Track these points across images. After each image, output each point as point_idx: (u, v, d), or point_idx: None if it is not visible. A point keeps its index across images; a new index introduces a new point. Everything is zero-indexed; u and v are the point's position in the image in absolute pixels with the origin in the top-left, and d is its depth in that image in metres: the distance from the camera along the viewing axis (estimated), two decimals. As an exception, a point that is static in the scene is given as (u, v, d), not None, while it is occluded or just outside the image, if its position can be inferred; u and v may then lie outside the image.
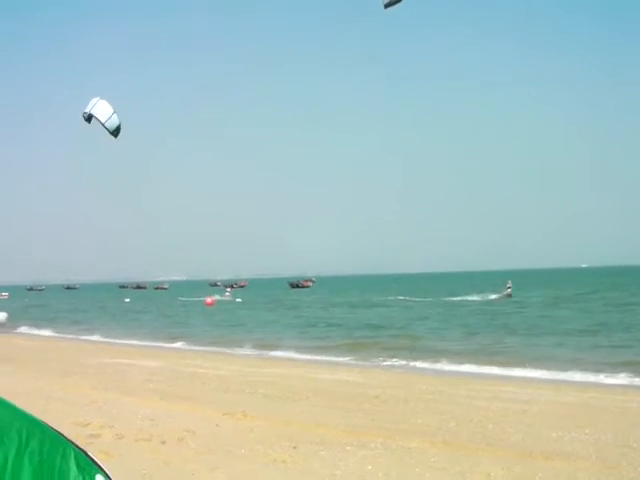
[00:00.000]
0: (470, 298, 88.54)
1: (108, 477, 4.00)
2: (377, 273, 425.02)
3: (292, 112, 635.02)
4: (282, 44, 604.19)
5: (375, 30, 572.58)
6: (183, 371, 26.72)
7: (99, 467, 3.97)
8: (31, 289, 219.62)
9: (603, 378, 25.34)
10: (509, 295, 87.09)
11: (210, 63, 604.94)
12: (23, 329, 57.20)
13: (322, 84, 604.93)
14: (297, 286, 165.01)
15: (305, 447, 12.96)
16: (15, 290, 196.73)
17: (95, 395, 19.69)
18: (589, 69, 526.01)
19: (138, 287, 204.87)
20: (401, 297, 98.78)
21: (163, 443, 13.21)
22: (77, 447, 3.96)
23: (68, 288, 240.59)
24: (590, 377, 25.66)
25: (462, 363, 29.90)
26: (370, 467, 11.75)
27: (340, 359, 33.12)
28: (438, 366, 29.70)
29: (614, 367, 27.22)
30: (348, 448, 12.93)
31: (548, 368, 27.66)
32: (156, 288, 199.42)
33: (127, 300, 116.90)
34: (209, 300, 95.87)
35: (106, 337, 48.48)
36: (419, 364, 30.39)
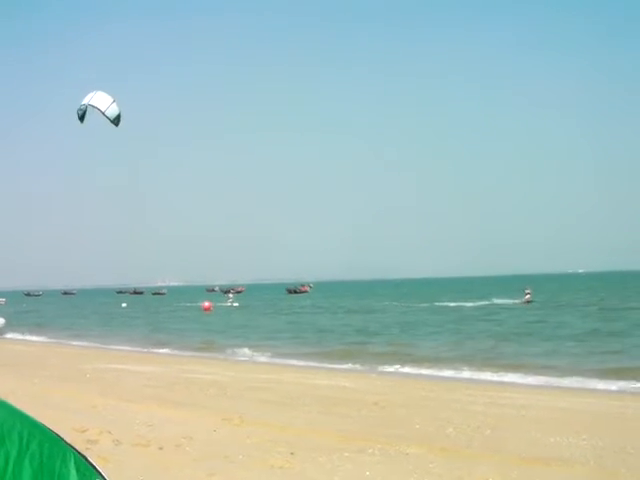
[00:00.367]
0: (484, 303, 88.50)
1: (106, 482, 4.00)
2: (378, 278, 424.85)
3: (291, 114, 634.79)
4: (279, 45, 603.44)
5: (375, 31, 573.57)
6: (180, 377, 26.69)
7: (98, 472, 3.98)
8: (28, 294, 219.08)
9: (599, 384, 25.36)
10: (528, 301, 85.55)
11: (206, 65, 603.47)
12: (14, 335, 56.90)
13: (319, 87, 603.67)
14: (294, 292, 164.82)
15: (302, 453, 12.94)
16: (12, 295, 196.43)
17: (92, 401, 19.65)
18: (589, 70, 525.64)
19: (135, 292, 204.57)
20: (395, 303, 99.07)
21: (161, 449, 13.19)
22: (77, 452, 3.97)
23: (65, 293, 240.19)
24: (587, 383, 25.68)
25: (459, 369, 29.95)
26: (368, 473, 11.74)
27: (337, 365, 33.09)
28: (435, 372, 29.73)
29: (611, 373, 27.24)
30: (346, 454, 12.92)
31: (545, 374, 27.69)
32: (154, 294, 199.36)
33: (124, 305, 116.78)
34: (207, 305, 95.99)
35: (102, 343, 48.34)
36: (416, 370, 30.42)
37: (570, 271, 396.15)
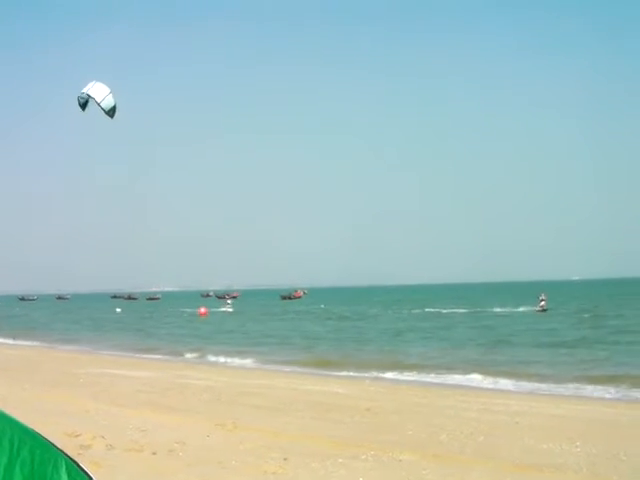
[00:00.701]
0: (499, 310, 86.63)
1: (99, 488, 4.00)
2: (375, 284, 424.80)
3: (290, 116, 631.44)
4: (279, 46, 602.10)
5: (376, 33, 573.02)
6: (174, 382, 26.67)
7: (90, 478, 3.98)
8: (23, 299, 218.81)
9: (593, 391, 25.40)
10: (543, 308, 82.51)
11: (205, 66, 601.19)
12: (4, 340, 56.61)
13: (319, 88, 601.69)
14: (289, 298, 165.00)
15: (296, 459, 12.94)
16: (7, 300, 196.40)
17: (86, 405, 19.64)
18: (590, 71, 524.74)
19: (130, 298, 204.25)
20: (389, 310, 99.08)
21: (154, 454, 13.19)
22: (68, 457, 3.96)
23: (59, 298, 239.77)
24: (581, 390, 25.71)
25: (453, 375, 30.00)
26: (361, 479, 11.75)
27: (329, 371, 33.12)
28: (428, 378, 29.78)
29: (605, 380, 27.27)
30: (339, 460, 12.92)
31: (539, 380, 27.74)
32: (148, 299, 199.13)
33: (118, 310, 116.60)
34: (202, 311, 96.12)
35: (96, 348, 48.31)
36: (409, 376, 30.47)
37: (564, 278, 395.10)
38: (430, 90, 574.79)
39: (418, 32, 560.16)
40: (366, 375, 31.08)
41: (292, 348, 45.66)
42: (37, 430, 4.04)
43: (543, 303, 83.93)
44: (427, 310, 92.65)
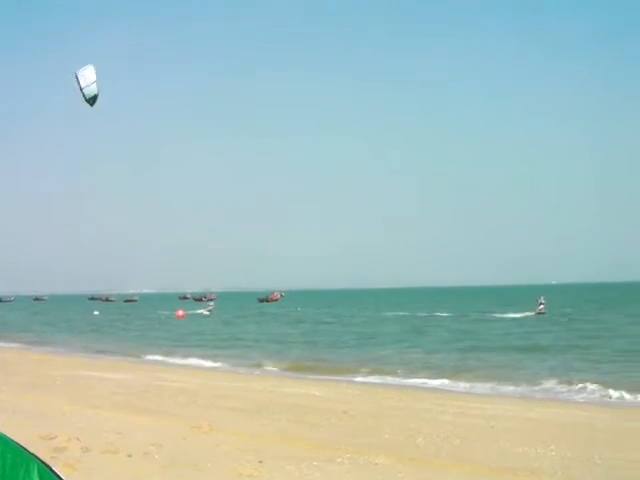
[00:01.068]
0: (498, 315, 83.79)
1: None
2: (355, 288, 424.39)
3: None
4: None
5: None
6: (151, 384, 26.63)
7: (63, 481, 3.98)
8: (0, 300, 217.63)
9: (568, 394, 25.53)
10: (541, 312, 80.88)
11: (198, 71, 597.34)
12: None
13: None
14: (265, 300, 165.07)
15: (271, 461, 12.93)
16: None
17: (62, 407, 19.55)
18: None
19: (107, 300, 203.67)
20: (368, 312, 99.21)
21: (129, 456, 13.14)
22: (41, 461, 3.96)
23: (36, 299, 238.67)
24: (556, 394, 25.84)
25: (429, 378, 30.09)
26: (336, 482, 11.78)
27: (306, 374, 33.15)
28: (405, 381, 29.87)
29: (579, 383, 27.38)
30: (315, 463, 12.93)
31: (515, 384, 27.85)
32: (126, 301, 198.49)
33: (96, 313, 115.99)
34: (180, 313, 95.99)
35: (72, 349, 48.16)
36: (386, 379, 30.54)
37: (543, 283, 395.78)
38: (430, 96, 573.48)
39: (418, 37, 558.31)
40: (343, 378, 31.14)
41: (268, 351, 45.60)
42: (13, 432, 4.04)
43: (542, 307, 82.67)
44: (408, 314, 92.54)
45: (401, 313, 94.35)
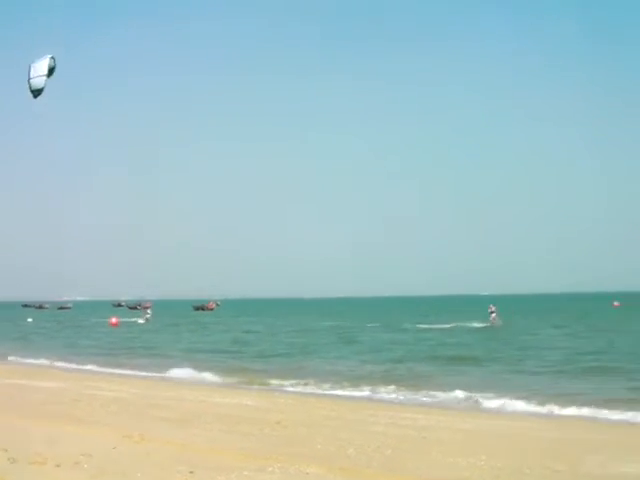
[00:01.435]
0: (447, 326, 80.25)
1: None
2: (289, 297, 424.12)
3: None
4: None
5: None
6: (83, 393, 26.37)
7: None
8: None
9: (501, 405, 25.72)
10: (495, 321, 78.02)
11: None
12: None
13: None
14: (201, 308, 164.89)
15: (202, 472, 12.86)
16: None
17: (-10, 417, 19.30)
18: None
19: (41, 307, 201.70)
20: (299, 321, 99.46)
21: (58, 466, 12.98)
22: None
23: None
24: (488, 404, 26.03)
25: (362, 389, 30.20)
26: (266, 492, 11.76)
27: (239, 384, 33.15)
28: (337, 392, 29.94)
29: (511, 394, 27.63)
30: (245, 473, 12.89)
31: (447, 395, 28.00)
32: (59, 308, 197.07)
33: (29, 320, 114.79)
34: (114, 321, 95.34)
35: (4, 357, 47.45)
36: (318, 389, 30.62)
37: (474, 293, 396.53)
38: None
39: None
40: (275, 388, 31.15)
41: (201, 360, 45.46)
42: None
43: (494, 315, 79.37)
44: (342, 324, 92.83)
45: (335, 323, 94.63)
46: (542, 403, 25.65)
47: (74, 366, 41.89)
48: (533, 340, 58.49)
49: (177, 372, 37.75)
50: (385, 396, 28.62)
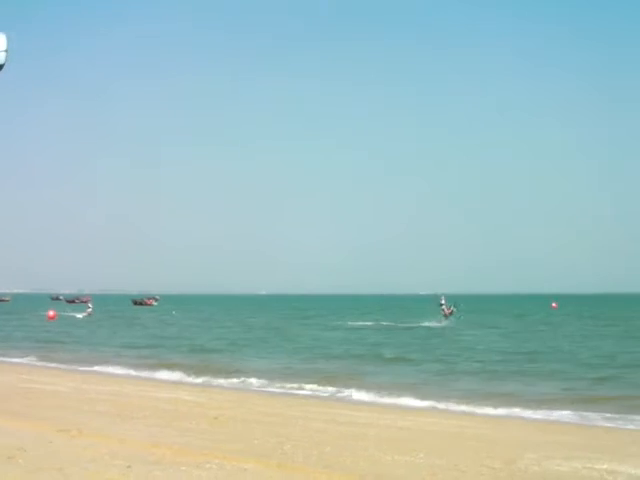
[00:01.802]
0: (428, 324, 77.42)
1: None
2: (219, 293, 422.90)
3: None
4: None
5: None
6: (17, 386, 26.09)
7: None
8: None
9: (440, 404, 25.89)
10: (449, 314, 76.11)
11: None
12: None
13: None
14: (140, 304, 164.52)
15: (139, 467, 12.77)
16: None
17: None
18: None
19: None
20: (243, 318, 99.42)
21: (-9, 461, 12.84)
22: None
23: None
24: (428, 402, 26.17)
25: (301, 385, 30.23)
26: (204, 487, 11.71)
27: (177, 378, 33.04)
28: (276, 388, 29.96)
29: (452, 394, 27.86)
30: (183, 468, 12.82)
31: (387, 393, 28.10)
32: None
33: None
34: (51, 314, 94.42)
35: None
36: (258, 385, 30.65)
37: (411, 292, 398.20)
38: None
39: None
40: (214, 384, 31.08)
41: (141, 354, 45.31)
42: None
43: (443, 306, 77.09)
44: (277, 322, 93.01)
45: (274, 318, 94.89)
46: (478, 403, 25.91)
47: (9, 359, 41.39)
48: (471, 340, 59.06)
49: (114, 366, 37.54)
50: (324, 393, 28.71)
